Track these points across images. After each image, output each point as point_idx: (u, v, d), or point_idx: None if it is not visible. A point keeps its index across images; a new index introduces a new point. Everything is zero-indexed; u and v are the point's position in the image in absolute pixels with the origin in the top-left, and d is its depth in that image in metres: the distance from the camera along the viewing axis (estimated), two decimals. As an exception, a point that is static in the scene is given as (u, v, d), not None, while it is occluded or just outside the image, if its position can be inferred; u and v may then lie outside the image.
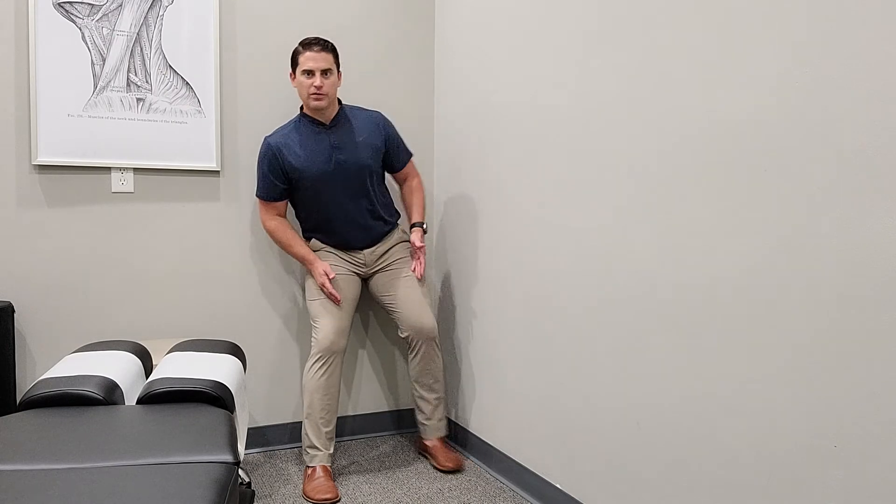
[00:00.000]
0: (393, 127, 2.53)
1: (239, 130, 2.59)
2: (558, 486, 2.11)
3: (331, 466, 2.41)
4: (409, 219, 2.60)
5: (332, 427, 2.40)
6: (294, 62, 2.35)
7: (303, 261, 2.46)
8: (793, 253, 1.35)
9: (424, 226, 2.56)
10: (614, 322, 1.85)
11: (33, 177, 2.31)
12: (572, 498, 2.04)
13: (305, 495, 2.26)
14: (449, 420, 2.82)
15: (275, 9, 2.63)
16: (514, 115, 2.31)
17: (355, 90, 2.78)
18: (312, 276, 2.46)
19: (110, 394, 1.56)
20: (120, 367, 1.69)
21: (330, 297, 2.41)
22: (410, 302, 2.49)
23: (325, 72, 2.31)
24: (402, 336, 2.54)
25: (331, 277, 2.39)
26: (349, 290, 2.49)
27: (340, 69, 2.47)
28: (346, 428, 2.84)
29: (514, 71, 2.30)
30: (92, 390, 1.54)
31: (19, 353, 2.32)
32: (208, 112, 2.52)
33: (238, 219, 2.61)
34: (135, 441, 1.33)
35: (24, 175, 2.30)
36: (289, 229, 2.47)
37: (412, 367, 2.56)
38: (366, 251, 2.53)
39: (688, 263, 1.60)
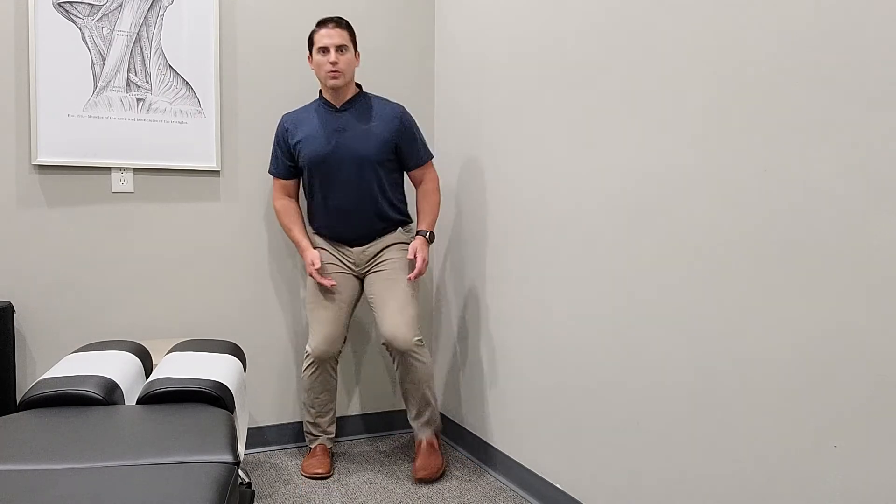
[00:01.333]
0: (413, 123, 2.44)
1: (239, 130, 2.59)
2: (558, 486, 2.11)
3: (331, 448, 2.55)
4: (418, 225, 2.51)
5: (327, 417, 2.52)
6: (310, 42, 2.36)
7: (297, 246, 2.47)
8: (793, 252, 1.35)
9: (428, 234, 2.43)
10: (614, 321, 1.85)
11: (33, 177, 2.31)
12: (572, 498, 2.04)
13: (302, 471, 2.45)
14: (449, 420, 2.82)
15: (275, 9, 2.63)
16: (517, 108, 2.31)
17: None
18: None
19: (110, 394, 1.56)
20: (120, 367, 1.69)
21: (320, 284, 2.41)
22: (389, 309, 2.35)
23: (339, 48, 2.30)
24: (382, 343, 2.49)
25: (315, 267, 2.37)
26: (345, 289, 2.45)
27: (358, 50, 2.42)
28: (347, 428, 2.84)
29: (516, 64, 2.30)
30: (92, 390, 1.54)
31: (19, 353, 2.32)
32: (208, 112, 2.52)
33: (238, 219, 2.61)
34: (135, 441, 1.33)
35: (24, 175, 2.30)
36: (293, 213, 2.48)
37: (396, 372, 2.46)
38: (356, 249, 2.45)
39: (687, 262, 1.60)
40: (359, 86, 2.46)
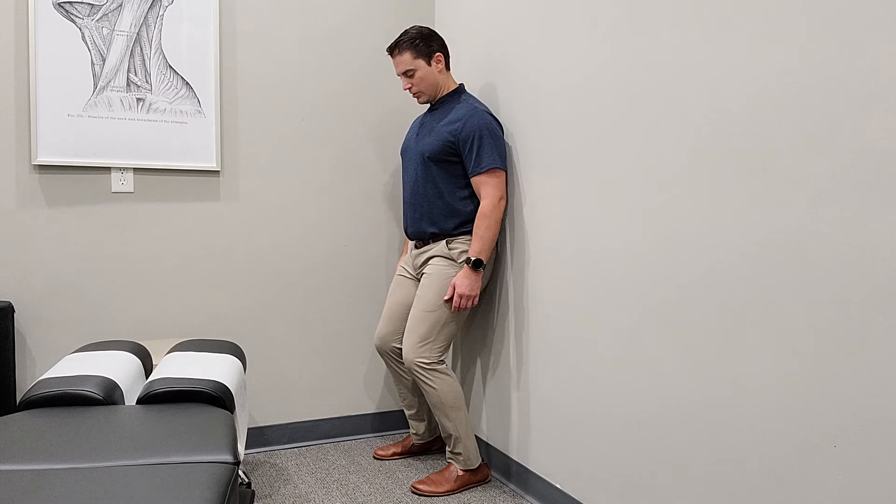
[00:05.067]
0: (479, 129, 2.25)
1: (239, 130, 2.59)
2: (558, 485, 2.11)
3: (416, 440, 2.63)
4: None
5: (411, 412, 2.60)
6: None
7: None
8: (794, 253, 1.35)
9: (473, 261, 2.25)
10: (614, 322, 1.85)
11: (33, 177, 2.31)
12: (572, 498, 2.04)
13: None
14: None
15: (275, 9, 2.63)
16: (516, 117, 2.30)
17: (354, 89, 2.78)
18: None
19: (110, 394, 1.56)
20: (120, 367, 1.69)
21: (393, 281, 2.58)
22: (407, 325, 2.38)
23: (406, 73, 2.37)
24: None
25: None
26: (399, 293, 2.52)
27: (429, 58, 2.34)
28: (347, 428, 2.84)
29: (516, 73, 2.30)
30: (92, 390, 1.54)
31: (19, 353, 2.32)
32: (208, 112, 2.52)
33: (238, 219, 2.61)
34: (135, 441, 1.33)
35: (24, 175, 2.30)
36: None
37: None
38: (414, 252, 2.47)
39: (688, 263, 1.60)
40: (461, 86, 2.42)
